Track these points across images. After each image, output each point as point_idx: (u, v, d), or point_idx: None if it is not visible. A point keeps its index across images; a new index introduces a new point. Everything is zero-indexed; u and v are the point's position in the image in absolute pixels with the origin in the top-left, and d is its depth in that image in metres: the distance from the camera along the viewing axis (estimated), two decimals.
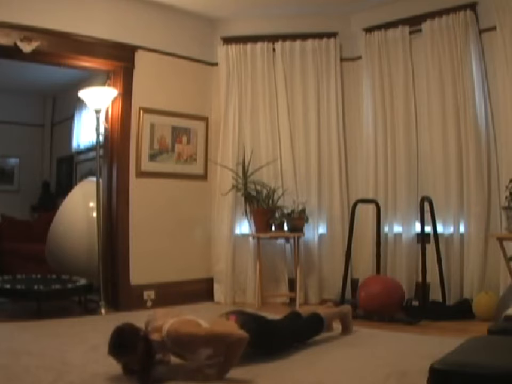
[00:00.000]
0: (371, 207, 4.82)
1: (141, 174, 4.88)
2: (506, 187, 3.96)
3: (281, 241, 5.13)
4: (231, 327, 2.77)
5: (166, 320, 2.67)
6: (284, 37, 5.24)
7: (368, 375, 2.67)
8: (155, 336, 2.63)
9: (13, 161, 8.20)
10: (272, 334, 3.07)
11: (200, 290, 5.09)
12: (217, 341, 2.60)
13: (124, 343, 2.60)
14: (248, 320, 2.96)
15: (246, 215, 5.11)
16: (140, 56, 4.88)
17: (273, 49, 5.27)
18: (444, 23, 4.55)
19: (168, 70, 5.10)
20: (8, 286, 4.37)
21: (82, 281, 4.63)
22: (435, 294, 4.42)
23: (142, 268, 4.78)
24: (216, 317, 3.04)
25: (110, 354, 2.62)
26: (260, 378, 2.63)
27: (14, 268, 5.92)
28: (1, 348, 3.16)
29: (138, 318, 4.22)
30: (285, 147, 5.22)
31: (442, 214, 4.53)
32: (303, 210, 4.93)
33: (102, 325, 3.96)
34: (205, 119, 5.36)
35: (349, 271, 4.69)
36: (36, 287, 4.34)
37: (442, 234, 4.53)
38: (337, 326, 3.68)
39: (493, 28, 4.30)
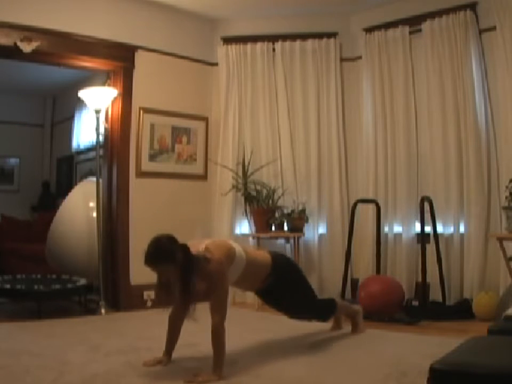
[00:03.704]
0: (371, 207, 4.82)
1: (141, 174, 4.88)
2: (506, 187, 3.96)
3: (281, 241, 5.13)
4: (261, 255, 3.09)
5: (202, 241, 2.80)
6: (284, 37, 5.24)
7: (368, 375, 2.67)
8: (192, 250, 2.67)
9: (13, 161, 8.19)
10: (294, 267, 3.37)
11: None
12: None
13: (162, 250, 2.61)
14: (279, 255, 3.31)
15: (246, 215, 5.11)
16: (139, 56, 4.88)
17: (273, 49, 5.27)
18: (444, 23, 4.55)
19: (168, 70, 5.10)
20: (8, 286, 4.38)
21: (82, 281, 4.63)
22: (435, 294, 4.42)
23: (142, 268, 4.69)
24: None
25: (146, 263, 2.62)
26: (260, 378, 2.63)
27: (14, 267, 5.92)
28: (1, 347, 3.15)
29: (138, 318, 4.26)
30: (285, 147, 5.22)
31: (442, 214, 4.53)
32: (303, 210, 4.93)
33: (102, 325, 3.97)
34: (205, 119, 5.36)
35: (349, 271, 4.70)
36: (36, 287, 4.34)
37: (442, 234, 4.53)
38: (346, 327, 3.69)
39: (493, 28, 4.30)
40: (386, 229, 4.85)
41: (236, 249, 2.86)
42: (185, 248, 2.65)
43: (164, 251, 2.60)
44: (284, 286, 3.14)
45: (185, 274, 2.61)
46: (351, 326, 3.65)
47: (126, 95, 4.79)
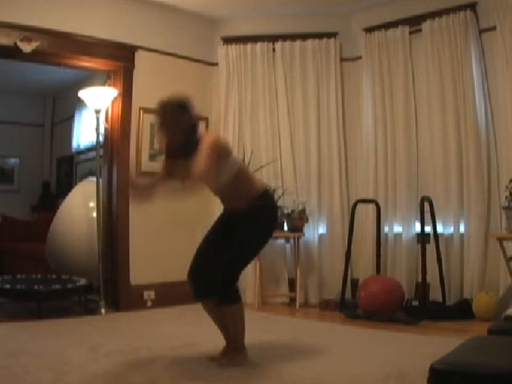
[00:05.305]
0: (371, 207, 4.82)
1: (141, 174, 4.87)
2: (506, 187, 3.96)
3: (281, 241, 5.13)
4: (256, 180, 3.06)
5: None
6: (284, 37, 5.24)
7: (368, 375, 2.67)
8: None
9: (13, 161, 8.19)
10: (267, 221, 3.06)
11: None
12: None
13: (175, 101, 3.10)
14: None
15: None
16: (140, 56, 4.88)
17: (273, 49, 5.27)
18: (444, 23, 4.55)
19: (168, 70, 5.09)
20: (8, 286, 4.38)
21: (82, 281, 4.63)
22: (435, 294, 4.42)
23: (142, 268, 4.78)
24: None
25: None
26: (260, 378, 2.63)
27: (14, 267, 5.91)
28: (1, 348, 3.15)
29: (138, 318, 4.26)
30: (285, 147, 5.22)
31: (442, 214, 4.53)
32: (303, 210, 4.93)
33: (102, 325, 3.97)
34: (205, 119, 5.35)
35: (349, 271, 4.69)
36: (36, 287, 4.34)
37: (442, 234, 4.53)
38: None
39: (493, 28, 4.30)
40: (386, 229, 4.85)
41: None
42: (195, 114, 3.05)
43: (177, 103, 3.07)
44: (247, 224, 2.83)
45: (188, 134, 3.00)
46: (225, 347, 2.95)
47: (126, 95, 4.79)
